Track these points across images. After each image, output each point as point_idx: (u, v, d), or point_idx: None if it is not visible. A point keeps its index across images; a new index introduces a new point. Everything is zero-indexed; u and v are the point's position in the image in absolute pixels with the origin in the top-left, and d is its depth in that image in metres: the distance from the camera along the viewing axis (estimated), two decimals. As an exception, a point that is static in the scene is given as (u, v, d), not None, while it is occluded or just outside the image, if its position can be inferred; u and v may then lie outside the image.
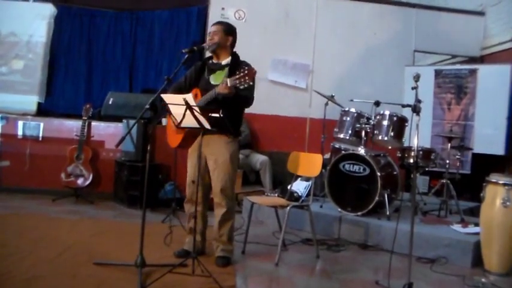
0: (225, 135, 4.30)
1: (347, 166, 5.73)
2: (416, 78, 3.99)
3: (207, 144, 4.26)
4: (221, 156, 4.31)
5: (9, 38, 7.83)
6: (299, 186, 6.17)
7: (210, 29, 4.48)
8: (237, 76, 3.83)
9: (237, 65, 4.37)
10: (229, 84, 3.88)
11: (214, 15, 7.66)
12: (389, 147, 6.33)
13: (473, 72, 7.38)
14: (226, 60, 4.43)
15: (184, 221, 4.85)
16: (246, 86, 3.86)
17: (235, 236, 4.61)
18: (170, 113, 3.97)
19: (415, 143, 4.05)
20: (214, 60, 4.49)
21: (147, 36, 8.31)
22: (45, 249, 4.40)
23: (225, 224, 4.37)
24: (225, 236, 4.39)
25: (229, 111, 4.14)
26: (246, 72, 3.80)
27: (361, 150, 5.73)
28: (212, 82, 4.37)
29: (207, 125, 3.86)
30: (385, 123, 5.88)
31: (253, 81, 4.02)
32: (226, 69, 4.38)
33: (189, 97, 3.72)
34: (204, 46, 4.43)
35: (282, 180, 6.97)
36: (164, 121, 7.25)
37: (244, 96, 4.22)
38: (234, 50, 4.54)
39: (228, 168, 4.32)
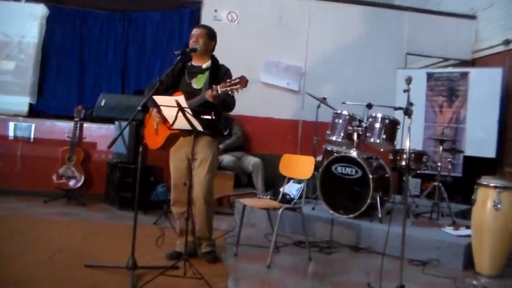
0: (206, 135, 4.31)
1: (339, 168, 5.73)
2: (408, 81, 4.01)
3: (189, 145, 4.25)
4: (203, 153, 4.35)
5: (0, 38, 7.78)
6: (291, 189, 6.17)
7: (194, 31, 4.47)
8: (228, 83, 3.88)
9: (217, 69, 4.46)
10: (219, 91, 3.93)
11: (206, 17, 7.67)
12: (382, 150, 6.36)
13: (464, 75, 7.43)
14: (206, 64, 4.47)
15: (175, 223, 4.84)
16: (237, 93, 3.92)
17: (227, 237, 4.62)
18: (160, 113, 3.96)
19: (407, 145, 4.06)
20: (194, 63, 4.50)
21: (139, 38, 8.29)
22: (36, 252, 4.37)
23: (206, 220, 4.39)
24: (207, 231, 4.44)
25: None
26: (238, 80, 3.85)
27: (354, 153, 5.74)
28: (194, 86, 4.40)
29: (199, 127, 3.87)
30: (377, 125, 5.90)
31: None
32: (207, 72, 4.42)
33: (181, 99, 3.72)
34: (196, 48, 4.41)
35: (274, 182, 6.96)
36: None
37: (228, 102, 4.28)
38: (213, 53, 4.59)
39: (210, 166, 4.36)
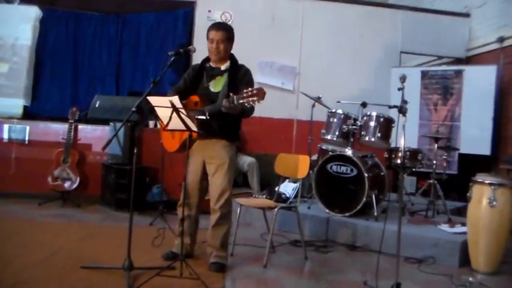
0: (222, 139, 4.24)
1: (334, 167, 5.74)
2: (403, 79, 4.02)
3: (205, 149, 4.25)
4: (219, 159, 4.25)
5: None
6: (287, 188, 6.17)
7: (212, 35, 4.24)
8: (245, 95, 3.67)
9: (236, 70, 4.29)
10: (235, 103, 3.73)
11: (200, 18, 7.66)
12: (377, 148, 6.36)
13: (459, 73, 7.44)
14: (225, 65, 4.31)
15: (172, 223, 4.83)
16: (253, 105, 3.73)
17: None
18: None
19: (402, 143, 4.06)
20: (213, 65, 4.35)
21: (133, 39, 8.28)
22: (32, 254, 4.36)
23: (218, 230, 4.31)
24: (217, 241, 4.31)
25: (228, 118, 4.08)
26: (255, 92, 3.64)
27: (348, 151, 5.75)
28: (212, 89, 4.27)
29: (194, 128, 3.85)
30: (372, 124, 5.91)
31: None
32: (226, 75, 4.27)
33: (175, 99, 3.70)
34: (190, 48, 4.33)
35: (269, 182, 6.96)
36: (151, 124, 7.24)
37: (247, 112, 4.12)
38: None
39: (227, 173, 4.25)
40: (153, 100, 3.82)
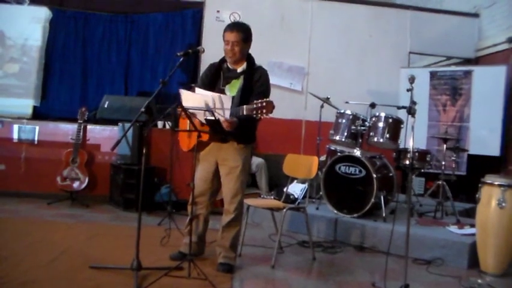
0: (236, 141, 4.20)
1: (343, 168, 5.73)
2: (412, 80, 4.00)
3: (219, 150, 4.24)
4: (233, 161, 4.23)
5: (4, 41, 7.81)
6: (295, 189, 6.17)
7: (227, 36, 4.15)
8: (255, 107, 3.67)
9: (252, 72, 4.23)
10: (245, 113, 3.75)
11: (209, 18, 7.68)
12: (385, 149, 6.35)
13: (468, 73, 7.41)
14: (241, 67, 4.25)
15: (180, 223, 4.83)
16: (262, 117, 3.71)
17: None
18: (187, 115, 3.87)
19: (410, 144, 4.05)
20: (230, 66, 4.28)
21: (142, 39, 8.29)
22: (40, 253, 4.38)
23: (229, 230, 4.30)
24: (227, 242, 4.30)
25: (241, 122, 3.98)
26: (264, 105, 3.65)
27: (357, 152, 5.74)
28: (228, 93, 4.20)
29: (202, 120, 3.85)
30: (380, 125, 5.90)
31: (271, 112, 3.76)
32: (242, 77, 4.21)
33: (226, 98, 3.72)
34: (199, 49, 4.31)
35: (277, 182, 6.97)
36: (160, 124, 7.26)
37: (247, 126, 4.11)
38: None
39: (240, 175, 4.23)
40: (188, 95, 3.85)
